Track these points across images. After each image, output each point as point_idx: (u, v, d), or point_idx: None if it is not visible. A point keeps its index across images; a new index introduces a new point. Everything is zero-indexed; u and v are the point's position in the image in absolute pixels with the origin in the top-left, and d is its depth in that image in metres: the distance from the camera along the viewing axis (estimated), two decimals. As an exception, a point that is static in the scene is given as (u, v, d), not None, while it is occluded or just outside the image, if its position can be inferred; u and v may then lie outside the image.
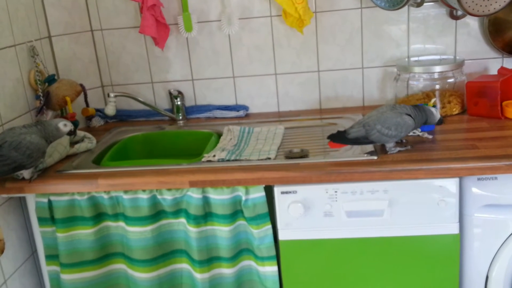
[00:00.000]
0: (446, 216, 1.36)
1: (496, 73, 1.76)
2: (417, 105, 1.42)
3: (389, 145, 1.40)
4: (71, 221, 1.47)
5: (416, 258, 1.40)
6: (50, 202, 1.46)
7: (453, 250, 1.39)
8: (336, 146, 1.43)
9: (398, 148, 1.41)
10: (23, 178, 1.44)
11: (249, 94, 1.97)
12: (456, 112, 1.69)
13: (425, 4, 1.78)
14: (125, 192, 1.43)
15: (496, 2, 1.51)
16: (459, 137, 1.48)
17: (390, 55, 1.87)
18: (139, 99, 1.90)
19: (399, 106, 1.40)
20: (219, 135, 1.73)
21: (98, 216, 1.47)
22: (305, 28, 1.83)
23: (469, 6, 1.52)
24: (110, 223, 1.48)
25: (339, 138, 1.41)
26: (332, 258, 1.43)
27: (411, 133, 1.50)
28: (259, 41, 1.90)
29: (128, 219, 1.44)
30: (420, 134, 1.51)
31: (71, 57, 1.92)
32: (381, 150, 1.42)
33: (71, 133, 1.47)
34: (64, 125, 1.44)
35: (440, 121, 1.43)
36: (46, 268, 1.54)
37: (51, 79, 1.75)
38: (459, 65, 1.71)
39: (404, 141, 1.47)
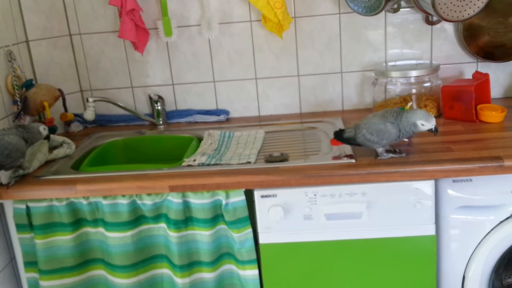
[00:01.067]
0: (423, 217, 1.39)
1: (471, 77, 1.80)
2: (402, 114, 1.36)
3: (379, 151, 1.39)
4: (49, 227, 1.45)
5: (394, 260, 1.43)
6: (28, 208, 1.45)
7: (430, 251, 1.41)
8: (335, 144, 1.47)
9: (391, 155, 1.40)
10: (0, 184, 1.42)
11: (229, 98, 1.98)
12: (432, 115, 1.72)
13: (401, 10, 1.82)
14: (104, 197, 1.42)
15: (470, 8, 1.54)
16: (434, 140, 1.51)
17: (368, 60, 1.90)
18: (119, 104, 1.89)
19: (391, 113, 1.37)
20: (200, 139, 1.74)
21: (77, 222, 1.46)
22: (285, 33, 1.85)
23: (443, 12, 1.55)
24: (89, 229, 1.47)
25: (338, 136, 1.44)
26: (312, 260, 1.44)
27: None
28: (239, 45, 1.91)
29: (107, 225, 1.43)
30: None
31: (49, 61, 1.90)
32: (376, 154, 1.42)
33: (47, 137, 1.53)
34: (44, 129, 1.50)
35: (433, 131, 1.35)
36: (25, 275, 1.52)
37: (28, 84, 1.73)
38: (434, 69, 1.75)
39: (397, 150, 1.42)
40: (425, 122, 1.33)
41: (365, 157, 1.42)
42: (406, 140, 1.52)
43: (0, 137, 1.36)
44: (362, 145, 1.40)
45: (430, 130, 1.33)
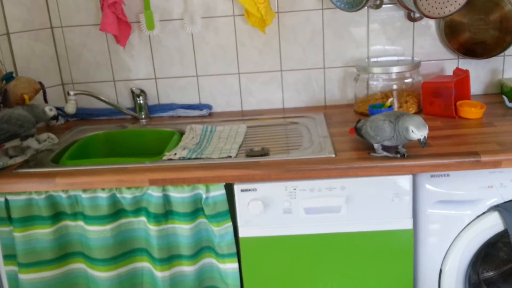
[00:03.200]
0: (401, 212, 1.40)
1: (451, 73, 1.82)
2: (400, 117, 1.34)
3: (375, 146, 1.39)
4: (28, 220, 1.44)
5: (372, 253, 1.44)
6: (7, 201, 1.43)
7: (407, 245, 1.43)
8: (352, 132, 1.50)
9: (385, 153, 1.38)
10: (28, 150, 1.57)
11: (212, 93, 1.97)
12: (413, 111, 1.74)
13: (384, 6, 1.83)
14: (84, 191, 1.42)
15: (451, 5, 1.56)
16: (414, 135, 1.53)
17: (350, 55, 1.91)
18: (101, 97, 1.88)
19: (395, 113, 1.36)
20: (182, 134, 1.74)
21: (57, 215, 1.45)
22: (268, 28, 1.86)
23: (425, 9, 1.57)
24: (68, 223, 1.47)
25: (355, 126, 1.46)
26: (291, 254, 1.45)
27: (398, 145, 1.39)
28: (222, 40, 1.91)
29: (87, 218, 1.43)
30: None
31: (30, 54, 1.88)
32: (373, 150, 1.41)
33: (55, 118, 1.64)
34: (50, 110, 1.61)
35: (421, 143, 1.31)
36: (4, 268, 1.51)
37: (9, 77, 1.71)
38: (416, 66, 1.76)
39: (402, 152, 1.37)
40: (416, 130, 1.29)
41: (362, 151, 1.43)
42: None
43: (11, 111, 1.51)
44: (364, 138, 1.41)
45: (418, 141, 1.30)
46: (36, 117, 1.57)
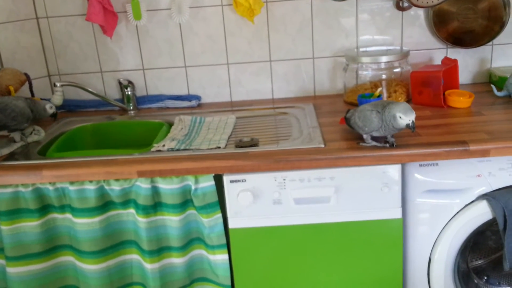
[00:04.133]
0: (390, 201, 1.41)
1: (440, 63, 1.82)
2: (386, 106, 1.33)
3: (364, 136, 1.39)
4: (15, 213, 1.43)
5: (362, 243, 1.45)
6: (-7, 194, 1.42)
7: (396, 234, 1.44)
8: (342, 123, 1.52)
9: (374, 143, 1.38)
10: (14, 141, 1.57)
11: (201, 84, 1.96)
12: (402, 101, 1.74)
13: (373, -5, 1.82)
14: (71, 183, 1.40)
15: (439, -6, 1.56)
16: (403, 125, 1.53)
17: (339, 45, 1.90)
18: (88, 89, 1.86)
19: (382, 103, 1.36)
20: (171, 125, 1.72)
21: (44, 208, 1.44)
22: (256, 18, 1.84)
23: (413, -2, 1.56)
24: (56, 215, 1.45)
25: (345, 116, 1.47)
26: (281, 244, 1.45)
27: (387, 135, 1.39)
28: (211, 30, 1.89)
29: (75, 211, 1.41)
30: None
31: (16, 45, 1.85)
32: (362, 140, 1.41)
33: (54, 115, 1.63)
34: (50, 107, 1.61)
35: (409, 127, 1.31)
36: (-9, 262, 1.50)
37: (-7, 68, 1.69)
38: (404, 55, 1.76)
39: (390, 141, 1.38)
40: (403, 116, 1.29)
41: (351, 141, 1.43)
42: None
43: (9, 100, 1.50)
44: (353, 128, 1.41)
45: (407, 126, 1.30)
46: (36, 113, 1.57)
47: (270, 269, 1.48)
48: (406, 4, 1.83)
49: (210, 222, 1.42)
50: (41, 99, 1.90)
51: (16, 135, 1.57)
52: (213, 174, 1.40)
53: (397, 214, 1.42)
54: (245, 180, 1.40)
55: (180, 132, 1.62)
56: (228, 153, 1.42)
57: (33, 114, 1.55)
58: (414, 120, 1.30)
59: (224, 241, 1.44)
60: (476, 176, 1.40)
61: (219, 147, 1.47)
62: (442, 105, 1.65)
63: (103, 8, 1.76)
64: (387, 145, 1.37)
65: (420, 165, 1.40)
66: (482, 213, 1.40)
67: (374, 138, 1.40)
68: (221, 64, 1.94)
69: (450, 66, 1.72)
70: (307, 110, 1.75)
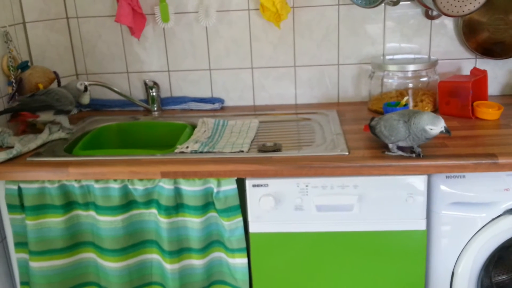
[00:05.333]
0: (414, 212, 1.39)
1: (469, 73, 1.79)
2: (412, 118, 1.31)
3: (390, 146, 1.37)
4: (40, 209, 1.45)
5: (384, 253, 1.43)
6: (20, 189, 1.44)
7: (420, 246, 1.41)
8: (366, 130, 1.48)
9: (400, 152, 1.35)
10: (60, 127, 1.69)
11: (225, 87, 1.97)
12: (428, 111, 1.72)
13: (401, 3, 1.80)
14: (96, 181, 1.42)
15: (470, 3, 1.53)
16: (429, 135, 1.51)
17: (365, 52, 1.89)
18: (114, 88, 1.88)
19: (408, 113, 1.34)
20: (194, 127, 1.73)
21: (69, 204, 1.46)
22: (282, 23, 1.84)
23: (444, 7, 1.54)
24: (80, 212, 1.47)
25: (369, 123, 1.45)
26: (301, 251, 1.44)
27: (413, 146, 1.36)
28: (236, 34, 1.90)
29: (98, 209, 1.43)
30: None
31: (46, 44, 1.88)
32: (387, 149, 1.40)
33: (86, 89, 1.73)
34: (80, 84, 1.71)
35: (447, 132, 1.29)
36: (15, 256, 1.52)
37: (24, 66, 1.72)
38: (432, 64, 1.74)
39: (417, 151, 1.35)
40: (433, 126, 1.27)
41: (376, 149, 1.41)
42: None
43: (52, 88, 1.65)
44: (378, 137, 1.39)
45: (441, 133, 1.28)
46: (73, 95, 1.68)
47: (289, 275, 1.47)
48: (435, 13, 1.81)
49: (230, 226, 1.42)
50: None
51: (65, 120, 1.68)
52: (236, 178, 1.40)
53: (421, 225, 1.39)
54: (267, 185, 1.39)
55: (203, 135, 1.63)
56: (251, 157, 1.42)
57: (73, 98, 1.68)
58: (445, 125, 1.28)
59: (244, 245, 1.43)
60: (503, 190, 1.37)
61: (242, 151, 1.47)
62: (470, 116, 1.63)
63: (132, 10, 1.78)
64: (413, 155, 1.35)
65: (447, 177, 1.38)
66: (508, 228, 1.37)
67: (399, 148, 1.38)
68: (245, 68, 1.94)
69: (480, 77, 1.69)
70: (330, 117, 1.74)
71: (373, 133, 1.43)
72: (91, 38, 1.95)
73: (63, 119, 1.67)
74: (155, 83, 1.93)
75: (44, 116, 1.63)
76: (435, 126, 1.28)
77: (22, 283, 1.53)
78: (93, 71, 1.99)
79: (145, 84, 1.94)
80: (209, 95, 1.98)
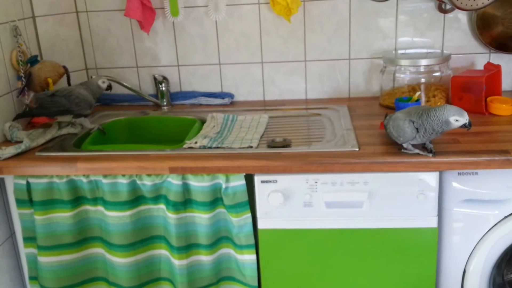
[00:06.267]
0: (425, 209, 1.36)
1: (482, 68, 1.76)
2: (429, 112, 1.28)
3: (405, 145, 1.34)
4: (49, 204, 1.45)
5: (394, 250, 1.41)
6: (28, 184, 1.44)
7: (431, 244, 1.39)
8: (382, 128, 1.48)
9: (417, 151, 1.32)
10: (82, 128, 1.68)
11: (234, 81, 1.95)
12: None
13: (414, -4, 1.78)
14: (105, 176, 1.41)
15: (484, -4, 1.50)
16: (441, 131, 1.48)
17: (377, 47, 1.86)
18: (124, 83, 1.88)
19: (417, 111, 1.31)
20: (203, 122, 1.72)
21: (77, 199, 1.46)
22: (293, 17, 1.82)
23: (457, 0, 1.51)
24: (88, 207, 1.47)
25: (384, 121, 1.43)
26: (310, 248, 1.43)
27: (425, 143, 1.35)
28: (246, 28, 1.88)
29: (107, 204, 1.43)
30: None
31: (55, 38, 1.88)
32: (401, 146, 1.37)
33: (109, 88, 1.71)
34: (103, 82, 1.69)
35: (469, 125, 1.27)
36: (24, 250, 1.53)
37: (33, 60, 1.72)
38: (445, 59, 1.71)
39: (429, 147, 1.34)
40: (459, 117, 1.24)
41: (386, 145, 1.39)
42: None
43: (73, 88, 1.62)
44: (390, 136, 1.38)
45: (463, 126, 1.25)
46: (94, 94, 1.66)
47: (298, 272, 1.46)
48: (448, 7, 1.77)
49: (239, 222, 1.41)
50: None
51: (85, 121, 1.67)
52: (244, 174, 1.39)
53: (432, 223, 1.37)
54: (276, 181, 1.38)
55: (212, 130, 1.62)
56: (260, 153, 1.41)
57: (94, 97, 1.66)
58: (468, 117, 1.26)
59: (252, 241, 1.42)
60: (517, 187, 1.35)
61: (251, 147, 1.46)
62: (484, 112, 1.60)
63: (142, 4, 1.77)
64: (430, 154, 1.31)
65: (459, 174, 1.36)
66: (522, 226, 1.35)
67: (414, 145, 1.35)
68: (255, 62, 1.92)
69: (493, 72, 1.66)
70: (341, 112, 1.72)
71: (386, 131, 1.40)
72: (101, 32, 1.94)
73: (84, 121, 1.67)
74: (164, 78, 1.92)
75: (62, 118, 1.64)
76: (461, 117, 1.25)
77: (30, 278, 1.54)
78: (102, 66, 1.99)
79: (155, 78, 1.93)
80: (218, 90, 1.97)
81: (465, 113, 1.26)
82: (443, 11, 1.80)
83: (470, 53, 1.84)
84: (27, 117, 1.63)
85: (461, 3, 1.51)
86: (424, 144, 1.35)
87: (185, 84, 1.98)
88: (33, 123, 1.69)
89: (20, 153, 1.47)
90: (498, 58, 1.82)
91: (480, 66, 1.83)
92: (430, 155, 1.32)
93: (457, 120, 1.25)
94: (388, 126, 1.37)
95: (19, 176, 1.45)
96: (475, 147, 1.35)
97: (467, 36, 1.82)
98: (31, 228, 1.49)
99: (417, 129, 1.29)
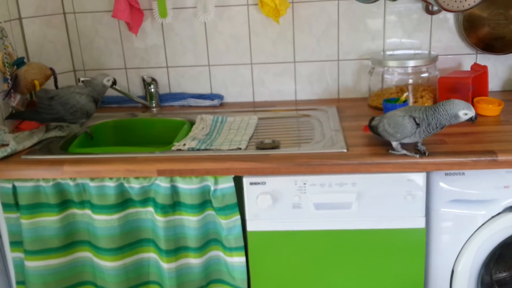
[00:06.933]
0: (413, 210, 1.37)
1: (469, 69, 1.77)
2: (436, 107, 1.30)
3: (394, 144, 1.34)
4: (35, 207, 1.44)
5: (383, 251, 1.41)
6: (14, 187, 1.43)
7: (419, 244, 1.40)
8: (366, 130, 1.46)
9: (404, 151, 1.33)
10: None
11: (224, 83, 1.95)
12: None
13: (401, -2, 1.78)
14: (92, 179, 1.40)
15: (471, -2, 1.51)
16: (429, 132, 1.49)
17: (365, 48, 1.87)
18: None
19: (420, 108, 1.32)
20: (192, 123, 1.71)
21: (64, 203, 1.45)
22: (282, 18, 1.82)
23: (443, 2, 1.52)
24: (76, 211, 1.46)
25: (369, 123, 1.42)
26: (299, 249, 1.43)
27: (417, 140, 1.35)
28: (235, 29, 1.88)
29: (94, 207, 1.42)
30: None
31: (42, 40, 1.87)
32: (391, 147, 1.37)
33: (114, 83, 1.69)
34: (107, 81, 1.66)
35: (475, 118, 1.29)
36: (11, 255, 1.51)
37: (20, 62, 1.70)
38: (432, 60, 1.72)
39: (422, 149, 1.34)
40: (468, 111, 1.26)
41: (374, 146, 1.39)
42: None
43: (73, 95, 1.57)
44: (381, 136, 1.37)
45: (470, 119, 1.28)
46: (98, 95, 1.63)
47: (288, 274, 1.46)
48: (435, 8, 1.78)
49: (228, 224, 1.41)
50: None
51: (41, 129, 1.61)
52: (233, 176, 1.38)
53: (420, 223, 1.38)
54: (265, 183, 1.38)
55: (201, 132, 1.61)
56: (249, 154, 1.41)
57: (97, 103, 1.63)
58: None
59: (241, 243, 1.42)
60: (503, 187, 1.36)
61: (240, 148, 1.46)
62: (471, 112, 1.61)
63: (130, 5, 1.76)
64: (417, 155, 1.32)
65: (446, 174, 1.36)
66: (509, 225, 1.36)
67: (403, 146, 1.36)
68: (245, 64, 1.92)
69: (480, 73, 1.67)
70: (330, 113, 1.73)
71: (375, 133, 1.41)
72: (89, 34, 1.93)
73: (75, 127, 1.66)
74: (153, 79, 1.91)
75: (55, 123, 1.64)
76: (470, 110, 1.26)
77: (18, 283, 1.52)
78: (91, 67, 1.97)
79: (144, 80, 1.92)
80: (208, 91, 1.97)
81: (472, 107, 1.28)
82: (430, 12, 1.81)
83: (457, 54, 1.85)
84: (19, 119, 1.61)
85: (448, 4, 1.52)
86: (417, 145, 1.35)
87: (174, 86, 1.97)
88: (20, 129, 1.66)
89: (6, 156, 1.45)
90: (485, 59, 1.84)
91: (467, 67, 1.85)
92: (417, 155, 1.32)
93: (466, 114, 1.27)
94: (381, 125, 1.36)
95: (5, 180, 1.43)
96: (461, 148, 1.35)
97: (454, 37, 1.83)
98: (17, 232, 1.48)
99: (418, 124, 1.30)
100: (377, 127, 1.39)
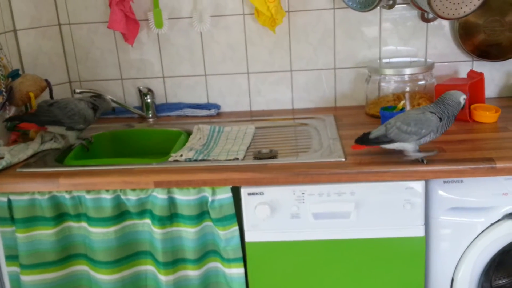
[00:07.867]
0: (412, 218, 1.36)
1: (465, 76, 1.77)
2: (442, 101, 1.34)
3: (411, 147, 1.32)
4: (31, 221, 1.42)
5: (382, 260, 1.40)
6: (9, 201, 1.42)
7: (419, 253, 1.39)
8: (357, 148, 1.40)
9: (424, 153, 1.32)
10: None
11: (221, 92, 1.94)
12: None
13: (397, 6, 1.78)
14: (88, 192, 1.39)
15: (466, 5, 1.51)
16: (427, 139, 1.49)
17: (362, 56, 1.87)
18: (108, 96, 1.85)
19: (426, 106, 1.34)
20: (189, 134, 1.71)
21: (60, 216, 1.43)
22: (278, 27, 1.82)
23: (439, 9, 1.52)
24: (72, 224, 1.45)
25: (362, 140, 1.38)
26: (298, 260, 1.42)
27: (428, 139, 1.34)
28: (232, 39, 1.87)
29: (90, 220, 1.40)
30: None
31: (37, 51, 1.86)
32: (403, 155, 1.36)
33: (113, 109, 1.78)
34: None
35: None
36: (6, 269, 1.50)
37: (14, 74, 1.69)
38: (429, 67, 1.72)
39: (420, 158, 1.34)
40: (464, 96, 1.34)
41: (372, 155, 1.38)
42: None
43: (72, 100, 1.61)
44: (394, 141, 1.33)
45: (463, 105, 1.35)
46: (101, 108, 1.67)
47: (287, 284, 1.45)
48: (431, 16, 1.79)
49: (226, 235, 1.39)
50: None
51: (72, 136, 1.63)
52: (231, 186, 1.37)
53: (419, 232, 1.37)
54: (263, 193, 1.37)
55: (198, 142, 1.61)
56: (246, 165, 1.40)
57: (96, 111, 1.64)
58: None
59: (240, 254, 1.41)
60: (502, 194, 1.35)
61: (237, 158, 1.45)
62: (468, 119, 1.61)
63: (125, 16, 1.76)
64: (435, 152, 1.35)
65: (445, 182, 1.36)
66: (508, 232, 1.36)
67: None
68: (241, 73, 1.92)
69: (476, 80, 1.67)
70: (327, 122, 1.72)
71: (383, 142, 1.35)
72: (84, 45, 1.93)
73: (71, 135, 1.63)
74: (149, 90, 1.91)
75: (53, 129, 1.61)
76: (463, 95, 1.34)
77: (14, 297, 1.51)
78: (86, 78, 1.97)
79: (140, 90, 1.91)
80: (205, 101, 1.96)
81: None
82: (426, 20, 1.81)
83: (453, 61, 1.85)
84: (17, 121, 1.59)
85: (443, 12, 1.53)
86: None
87: (170, 96, 1.96)
88: (20, 127, 1.64)
89: (1, 169, 1.44)
90: (481, 66, 1.84)
91: (463, 74, 1.85)
92: (435, 152, 1.36)
93: (464, 99, 1.34)
94: (392, 130, 1.32)
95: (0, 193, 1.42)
96: (460, 156, 1.35)
97: (450, 44, 1.84)
98: (13, 246, 1.46)
99: (440, 118, 1.30)
100: (386, 134, 1.33)
